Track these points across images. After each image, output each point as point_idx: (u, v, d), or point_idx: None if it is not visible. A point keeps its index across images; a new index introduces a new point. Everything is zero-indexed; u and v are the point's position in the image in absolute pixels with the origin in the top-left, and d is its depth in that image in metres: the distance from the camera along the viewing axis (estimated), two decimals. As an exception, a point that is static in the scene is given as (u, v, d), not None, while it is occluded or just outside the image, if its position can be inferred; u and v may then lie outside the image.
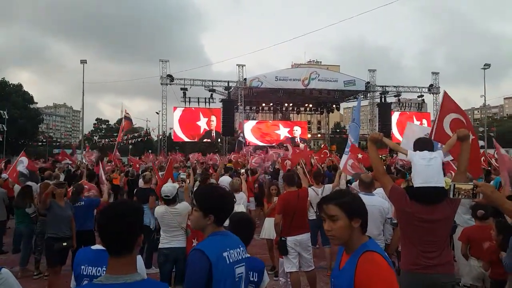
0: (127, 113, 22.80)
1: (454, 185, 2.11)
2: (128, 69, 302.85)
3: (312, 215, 6.72)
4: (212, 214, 2.22)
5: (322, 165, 13.60)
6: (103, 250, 2.01)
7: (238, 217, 2.91)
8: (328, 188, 6.95)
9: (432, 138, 4.23)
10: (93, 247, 2.67)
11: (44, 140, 58.83)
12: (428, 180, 3.11)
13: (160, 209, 5.16)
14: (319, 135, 46.51)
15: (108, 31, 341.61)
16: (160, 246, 5.07)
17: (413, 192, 3.19)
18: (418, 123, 36.56)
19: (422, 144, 3.46)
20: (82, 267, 2.51)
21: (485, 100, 41.02)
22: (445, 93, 4.54)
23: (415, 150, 3.41)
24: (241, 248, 2.29)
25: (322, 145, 31.93)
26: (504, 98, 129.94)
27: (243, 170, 11.08)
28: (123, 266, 1.64)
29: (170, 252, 4.95)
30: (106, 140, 43.83)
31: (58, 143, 69.30)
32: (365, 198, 4.83)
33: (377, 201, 4.89)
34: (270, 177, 11.22)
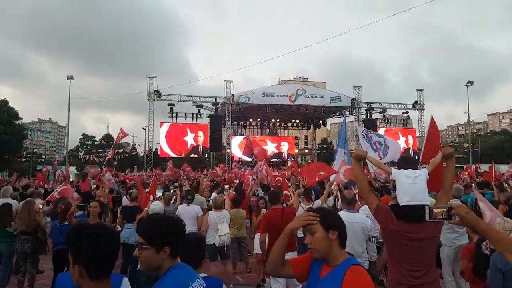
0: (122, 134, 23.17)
1: (429, 208, 2.13)
2: (113, 84, 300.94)
3: (300, 233, 6.62)
4: (167, 246, 1.94)
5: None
6: None
7: (190, 238, 2.69)
8: (317, 204, 6.91)
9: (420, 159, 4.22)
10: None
11: (28, 156, 57.93)
12: (414, 198, 3.12)
13: None
14: (306, 151, 46.75)
15: (93, 46, 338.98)
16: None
17: (399, 210, 3.19)
18: (404, 139, 37.15)
19: (406, 163, 3.47)
20: None
21: (468, 117, 41.89)
22: (431, 119, 4.54)
23: (399, 168, 3.42)
24: (199, 280, 2.08)
25: (310, 162, 32.08)
26: (488, 115, 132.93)
27: (226, 186, 10.97)
28: None
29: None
30: (91, 156, 43.21)
31: (42, 159, 68.30)
32: (347, 215, 4.89)
33: (359, 218, 4.89)
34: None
